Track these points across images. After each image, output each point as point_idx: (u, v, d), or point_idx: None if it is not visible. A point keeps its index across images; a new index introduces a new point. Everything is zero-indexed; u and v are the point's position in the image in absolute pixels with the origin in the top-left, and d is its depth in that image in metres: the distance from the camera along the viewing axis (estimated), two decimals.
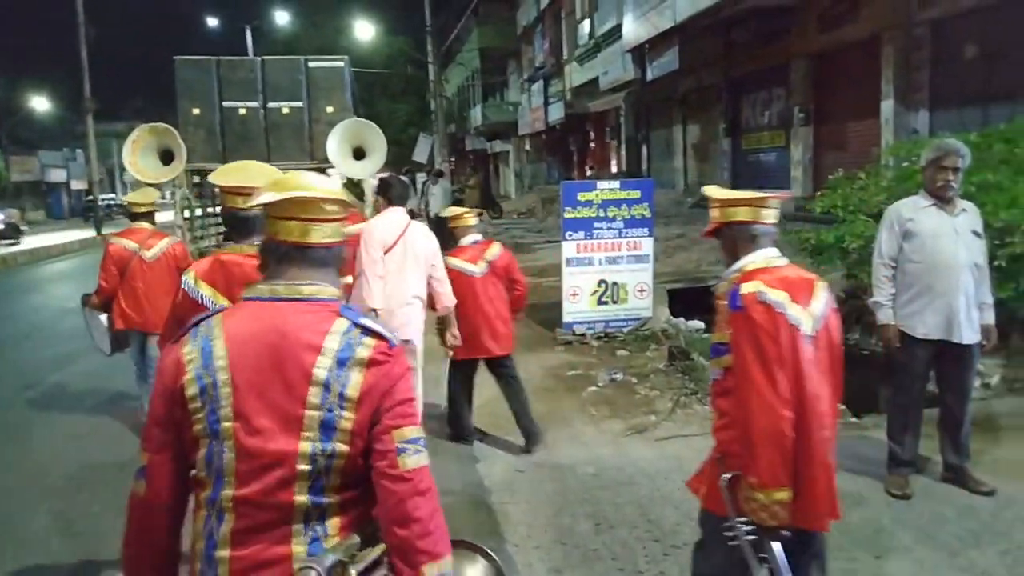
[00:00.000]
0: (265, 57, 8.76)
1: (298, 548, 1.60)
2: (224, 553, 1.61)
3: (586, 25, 23.93)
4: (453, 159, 28.36)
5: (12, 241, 27.42)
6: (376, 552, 1.65)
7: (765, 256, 2.54)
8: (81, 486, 5.10)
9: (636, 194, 8.41)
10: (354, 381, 1.61)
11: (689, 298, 9.41)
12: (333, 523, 1.64)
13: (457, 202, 19.16)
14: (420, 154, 25.14)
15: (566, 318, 8.45)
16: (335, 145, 7.61)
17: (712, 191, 2.67)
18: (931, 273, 4.15)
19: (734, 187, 17.24)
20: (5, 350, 9.79)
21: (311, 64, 8.36)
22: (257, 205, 1.73)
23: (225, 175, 3.29)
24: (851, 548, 3.78)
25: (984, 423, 5.21)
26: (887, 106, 11.51)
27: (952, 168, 4.11)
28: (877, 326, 4.50)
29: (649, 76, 18.51)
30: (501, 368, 5.55)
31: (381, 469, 1.62)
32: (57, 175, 52.90)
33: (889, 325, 4.30)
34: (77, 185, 54.47)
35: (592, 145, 27.77)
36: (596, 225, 8.32)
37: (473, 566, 2.00)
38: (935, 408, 4.54)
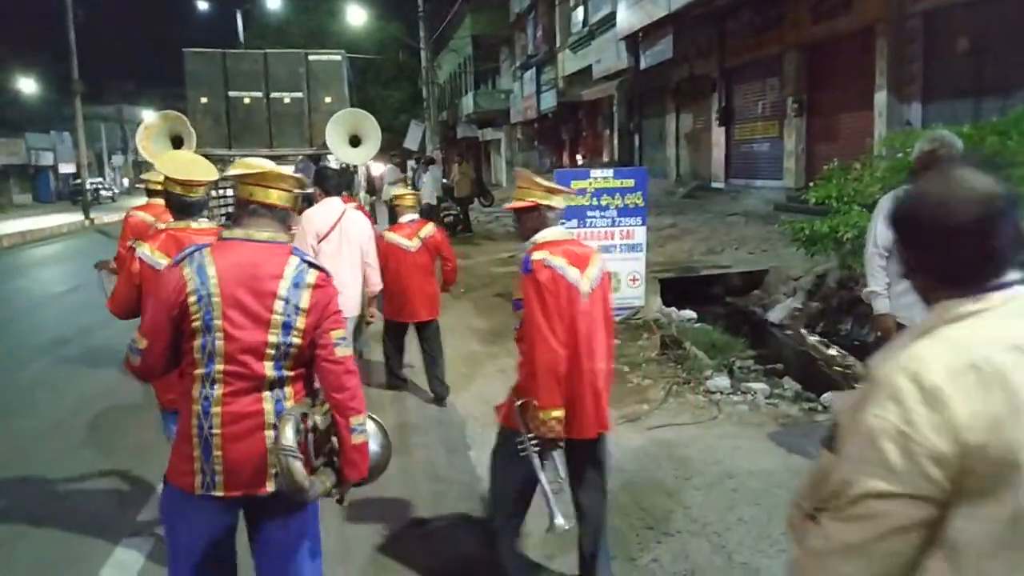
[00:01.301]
0: (268, 51, 9.37)
1: (268, 406, 2.41)
2: (217, 409, 2.37)
3: (580, 12, 23.83)
4: (443, 146, 28.14)
5: None
6: (326, 407, 2.49)
7: (555, 232, 3.26)
8: (65, 469, 5.07)
9: (630, 183, 8.39)
10: (304, 297, 2.41)
11: (681, 288, 9.43)
12: (289, 390, 2.45)
13: (448, 189, 19.07)
14: (411, 141, 25.02)
15: None
16: (332, 133, 8.08)
17: (524, 177, 3.33)
18: None
19: (727, 177, 17.25)
20: None
21: (311, 58, 8.96)
22: (237, 176, 2.50)
23: (173, 167, 3.79)
24: None
25: None
26: (880, 98, 11.52)
27: (948, 159, 4.11)
28: (872, 316, 4.49)
29: (643, 65, 18.45)
30: (426, 331, 6.29)
31: (323, 356, 2.44)
32: (44, 158, 52.41)
33: (887, 315, 4.30)
34: (65, 168, 53.95)
35: (584, 134, 27.69)
36: (589, 213, 8.29)
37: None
38: None
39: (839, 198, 6.51)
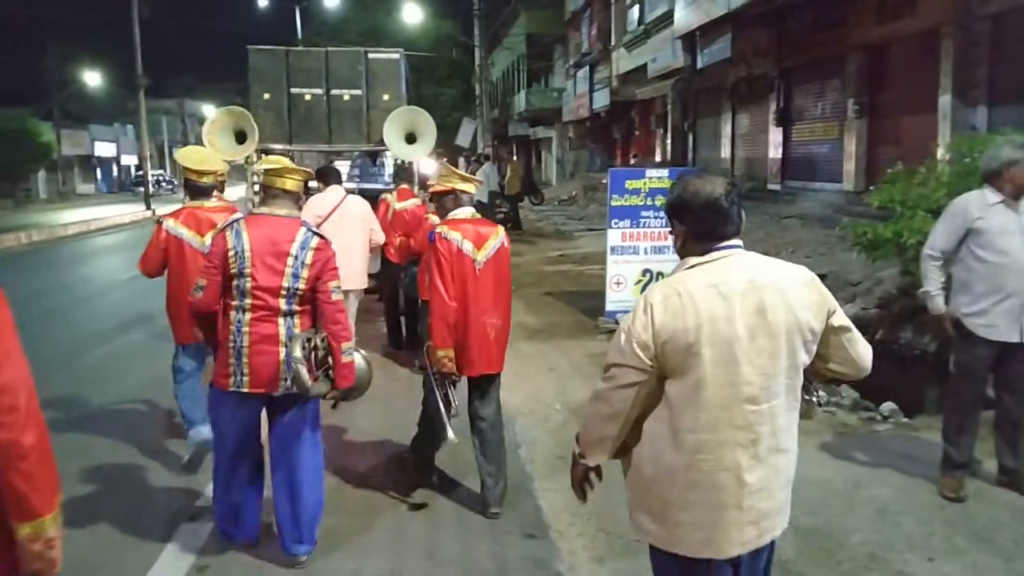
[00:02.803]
0: (329, 48, 9.47)
1: (281, 331, 3.52)
2: (247, 329, 3.51)
3: (636, 11, 23.61)
4: (495, 143, 28.07)
5: None
6: (323, 334, 3.56)
7: (463, 212, 4.20)
8: (125, 453, 5.20)
9: None
10: (309, 256, 3.51)
11: None
12: (297, 321, 3.56)
13: (499, 187, 19.07)
14: (463, 138, 25.16)
15: (609, 307, 8.39)
16: (390, 130, 8.30)
17: (446, 168, 4.42)
18: (1000, 273, 4.02)
19: (784, 179, 16.94)
20: (53, 322, 9.95)
21: (370, 56, 9.16)
22: (265, 170, 3.71)
23: (187, 158, 4.95)
24: (903, 550, 3.70)
25: None
26: (944, 101, 11.19)
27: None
28: (932, 316, 4.38)
29: (699, 64, 18.21)
30: None
31: (322, 299, 3.54)
32: (107, 150, 53.87)
33: (943, 315, 4.20)
34: (127, 160, 55.44)
35: (636, 133, 27.45)
36: (643, 214, 8.22)
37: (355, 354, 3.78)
38: (988, 410, 4.42)
39: (903, 203, 6.32)
